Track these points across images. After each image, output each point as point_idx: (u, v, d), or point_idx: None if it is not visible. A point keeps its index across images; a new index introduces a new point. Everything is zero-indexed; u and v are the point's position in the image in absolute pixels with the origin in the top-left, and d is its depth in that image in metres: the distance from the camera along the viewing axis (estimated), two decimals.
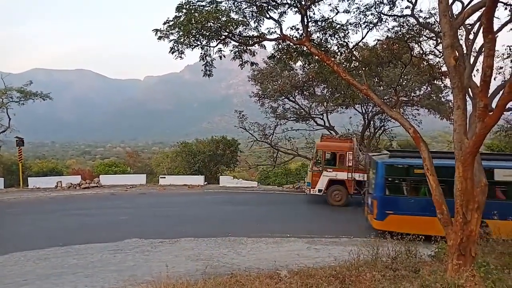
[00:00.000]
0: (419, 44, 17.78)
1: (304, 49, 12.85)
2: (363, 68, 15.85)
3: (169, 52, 11.76)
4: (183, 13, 11.19)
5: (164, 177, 26.14)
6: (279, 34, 12.29)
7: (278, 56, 14.17)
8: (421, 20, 14.31)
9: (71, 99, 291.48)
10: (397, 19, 14.18)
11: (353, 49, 14.80)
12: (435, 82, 25.26)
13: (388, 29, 14.87)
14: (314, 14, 12.72)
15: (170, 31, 11.30)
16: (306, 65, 24.03)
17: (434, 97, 27.00)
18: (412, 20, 14.19)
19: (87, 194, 22.13)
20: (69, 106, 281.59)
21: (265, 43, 13.27)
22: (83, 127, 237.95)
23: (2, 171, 26.56)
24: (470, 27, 11.82)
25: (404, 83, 25.08)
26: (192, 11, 11.08)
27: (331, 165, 20.07)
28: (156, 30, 11.41)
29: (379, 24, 13.74)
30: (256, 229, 14.71)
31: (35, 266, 10.13)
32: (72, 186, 23.54)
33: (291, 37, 12.50)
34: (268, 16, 12.25)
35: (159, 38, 11.44)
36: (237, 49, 13.16)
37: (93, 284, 8.70)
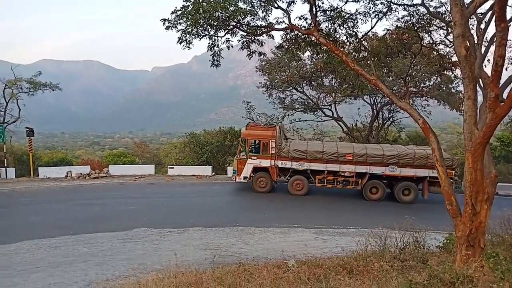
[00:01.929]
0: (429, 33, 17.54)
1: (313, 39, 12.73)
2: (372, 58, 15.60)
3: (177, 42, 11.74)
4: (191, 3, 11.15)
5: (173, 168, 26.30)
6: (287, 24, 12.20)
7: (286, 46, 14.07)
8: (431, 9, 14.10)
9: (80, 90, 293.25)
10: (407, 8, 13.96)
11: (362, 39, 14.61)
12: (445, 72, 24.91)
13: (398, 19, 14.65)
14: (322, 3, 12.59)
15: (178, 21, 11.27)
16: (314, 55, 23.87)
17: (444, 88, 26.70)
18: (422, 9, 13.98)
19: (97, 184, 22.36)
20: (78, 97, 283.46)
21: (273, 33, 13.17)
22: (91, 117, 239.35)
23: (13, 161, 26.88)
24: (481, 16, 11.65)
25: (413, 74, 24.82)
26: (200, 0, 11.04)
27: (255, 153, 20.41)
28: (164, 20, 11.38)
29: (388, 13, 13.56)
30: (264, 219, 14.82)
31: (47, 254, 10.30)
32: (81, 176, 23.79)
33: (299, 27, 12.40)
34: (276, 5, 12.15)
35: (167, 28, 11.43)
36: (245, 39, 13.11)
37: (104, 272, 8.83)
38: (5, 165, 23.90)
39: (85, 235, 12.03)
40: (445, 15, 14.55)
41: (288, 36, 13.65)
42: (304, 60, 27.96)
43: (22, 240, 11.23)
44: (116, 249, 10.83)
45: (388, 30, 16.47)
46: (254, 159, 20.05)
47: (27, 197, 18.49)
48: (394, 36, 19.17)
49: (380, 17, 13.38)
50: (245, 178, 20.19)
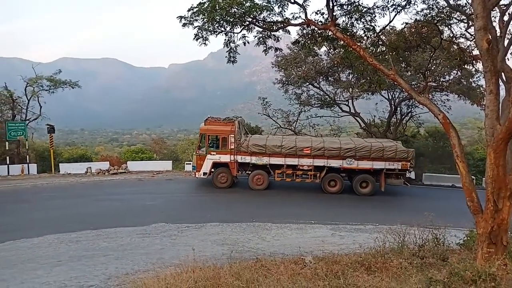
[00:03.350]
0: (449, 27, 17.10)
1: (329, 34, 12.63)
2: (390, 53, 15.40)
3: (194, 39, 11.82)
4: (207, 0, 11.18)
5: (190, 163, 26.52)
6: (304, 19, 12.11)
7: (302, 42, 14.00)
8: (451, 1, 13.74)
9: (98, 88, 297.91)
10: (427, 1, 13.69)
11: (380, 33, 14.41)
12: (465, 66, 24.32)
13: (417, 12, 14.38)
14: None
15: (195, 18, 11.33)
16: (331, 50, 23.63)
17: (465, 82, 26.08)
18: (442, 2, 13.67)
19: (116, 179, 22.75)
20: (96, 94, 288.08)
21: (289, 28, 13.12)
22: (110, 114, 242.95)
23: (35, 157, 27.54)
24: (505, 8, 11.29)
25: (433, 68, 24.33)
26: None
27: (215, 148, 20.27)
28: (181, 17, 11.46)
29: (407, 6, 13.32)
30: (280, 215, 14.83)
31: (68, 248, 10.54)
32: (101, 172, 24.23)
33: (316, 21, 12.30)
34: (292, 0, 12.08)
35: (184, 25, 11.50)
36: (261, 35, 13.09)
37: (123, 266, 8.98)
38: (28, 161, 24.51)
39: (105, 229, 12.25)
40: (466, 8, 14.18)
41: (304, 31, 13.57)
42: (321, 55, 27.70)
43: (45, 234, 11.51)
44: (135, 243, 11.00)
45: (406, 24, 16.21)
46: (213, 154, 19.96)
47: (49, 192, 18.94)
48: (413, 30, 18.84)
49: (398, 10, 13.16)
50: (204, 174, 20.11)
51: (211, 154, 19.98)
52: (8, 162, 23.48)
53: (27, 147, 25.50)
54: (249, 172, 20.14)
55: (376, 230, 12.35)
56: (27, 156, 24.98)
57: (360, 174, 19.67)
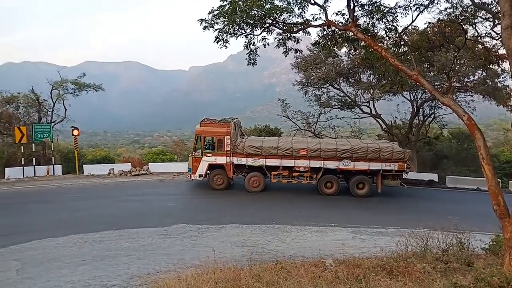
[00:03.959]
0: (474, 26, 16.66)
1: (350, 34, 12.53)
2: (413, 53, 15.12)
3: (214, 41, 11.93)
4: (227, 2, 11.28)
5: None
6: (324, 20, 12.06)
7: (322, 43, 13.91)
8: (476, 0, 13.43)
9: (121, 90, 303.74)
10: (450, 0, 13.40)
11: (402, 33, 14.17)
12: (491, 66, 23.69)
13: (440, 11, 14.06)
14: None
15: (215, 21, 11.43)
16: (352, 51, 23.43)
17: (490, 82, 25.41)
18: (466, 0, 13.36)
19: (137, 181, 23.10)
20: (119, 97, 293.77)
21: (309, 29, 13.09)
22: (132, 117, 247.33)
23: (60, 158, 28.27)
24: None
25: (457, 68, 23.78)
26: None
27: (210, 150, 20.04)
28: (202, 20, 11.58)
29: (430, 6, 13.06)
30: (300, 217, 14.77)
31: (92, 248, 10.77)
32: (123, 173, 24.65)
33: (336, 22, 12.22)
34: (312, 1, 12.05)
35: (204, 28, 11.62)
36: (281, 37, 13.10)
37: (145, 266, 9.12)
38: (53, 163, 25.15)
39: (127, 230, 12.45)
40: (492, 6, 13.81)
41: (324, 33, 13.49)
42: (341, 56, 27.50)
43: (69, 234, 11.78)
44: (157, 244, 11.15)
45: (429, 23, 15.88)
46: (209, 156, 19.78)
47: (73, 193, 19.38)
48: (436, 30, 18.46)
49: (421, 10, 12.90)
50: (200, 176, 19.89)
51: (206, 156, 19.80)
52: (34, 163, 24.16)
53: (52, 149, 26.18)
54: (245, 174, 19.98)
55: (398, 233, 12.16)
56: (53, 157, 25.64)
57: (357, 175, 19.45)
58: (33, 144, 24.65)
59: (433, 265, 7.60)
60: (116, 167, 25.68)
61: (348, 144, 19.64)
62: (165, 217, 14.34)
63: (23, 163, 23.58)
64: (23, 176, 23.13)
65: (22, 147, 23.99)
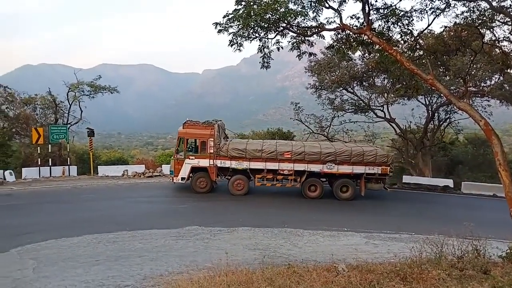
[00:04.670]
0: (491, 30, 16.42)
1: (365, 38, 12.47)
2: (428, 57, 14.97)
3: (229, 45, 12.01)
4: (242, 6, 11.35)
5: None
6: (339, 24, 12.06)
7: (337, 46, 13.89)
8: (494, 3, 13.22)
9: (135, 93, 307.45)
10: (467, 3, 13.22)
11: (417, 37, 14.04)
12: (508, 70, 23.30)
13: (457, 15, 13.88)
14: (376, 1, 12.30)
15: (230, 24, 11.51)
16: (366, 55, 23.31)
17: (507, 87, 25.00)
18: (484, 4, 13.16)
19: (151, 182, 23.29)
20: (133, 99, 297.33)
21: (323, 33, 13.06)
22: (146, 119, 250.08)
23: (75, 159, 28.72)
24: None
25: (473, 72, 23.45)
26: (251, 3, 11.19)
27: (193, 152, 19.73)
28: (216, 24, 11.68)
29: (446, 9, 12.92)
30: (312, 221, 14.70)
31: (105, 248, 10.89)
32: (137, 175, 24.90)
33: (351, 26, 12.19)
34: (327, 5, 12.05)
35: (219, 31, 11.71)
36: (295, 40, 13.11)
37: (158, 268, 9.18)
38: (68, 163, 25.55)
39: (140, 231, 12.55)
40: (510, 10, 13.60)
41: (339, 36, 13.47)
42: (355, 59, 27.38)
43: (84, 234, 11.93)
44: (169, 245, 11.21)
45: (445, 27, 15.71)
46: (192, 159, 19.50)
47: (88, 193, 19.64)
48: (452, 33, 18.23)
49: (437, 14, 12.78)
50: (182, 179, 19.61)
51: (189, 159, 19.54)
52: (50, 164, 24.57)
53: (68, 150, 26.60)
54: (229, 177, 19.75)
55: (412, 239, 12.00)
56: (68, 158, 26.05)
57: (340, 179, 19.32)
58: (50, 145, 25.09)
59: (448, 272, 7.47)
60: (130, 168, 25.96)
61: (332, 148, 19.56)
62: (178, 219, 14.42)
63: (39, 163, 24.00)
64: (39, 176, 23.55)
65: (38, 147, 24.45)
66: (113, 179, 23.93)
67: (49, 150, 25.33)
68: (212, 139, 19.29)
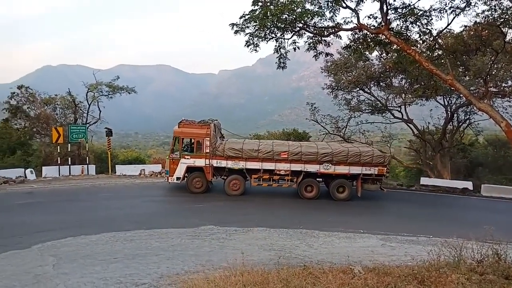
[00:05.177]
0: None
1: (382, 38, 12.35)
2: (448, 57, 14.72)
3: (245, 45, 12.06)
4: (258, 7, 11.38)
5: None
6: (356, 24, 11.98)
7: (354, 47, 13.79)
8: None
9: (153, 93, 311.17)
10: (488, 2, 12.95)
11: (436, 37, 13.83)
12: None
13: (477, 14, 13.66)
14: (394, 0, 12.18)
15: (246, 25, 11.56)
16: (383, 55, 23.05)
17: None
18: (506, 2, 12.89)
19: (167, 182, 23.45)
20: (151, 100, 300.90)
21: (340, 33, 12.99)
22: (162, 119, 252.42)
23: (93, 159, 29.22)
24: None
25: (494, 72, 22.94)
26: (268, 4, 11.21)
27: (189, 152, 19.48)
28: (233, 25, 11.72)
29: (467, 8, 12.69)
30: (328, 222, 14.62)
31: (123, 246, 11.04)
32: (153, 174, 25.16)
33: (368, 26, 12.09)
34: (344, 5, 11.99)
35: (236, 32, 11.77)
36: (311, 40, 13.09)
37: (174, 266, 9.26)
38: (87, 163, 26.00)
39: (157, 230, 12.68)
40: None
41: (356, 36, 13.38)
42: (372, 60, 27.11)
43: (102, 232, 12.12)
44: (185, 245, 11.30)
45: (465, 26, 15.43)
46: (187, 158, 19.29)
47: (106, 192, 19.95)
48: (472, 33, 17.90)
49: (457, 13, 12.58)
50: (178, 178, 19.38)
51: (185, 158, 19.36)
52: (69, 163, 25.06)
53: (87, 149, 27.09)
54: (225, 177, 19.60)
55: (430, 242, 11.82)
56: (87, 157, 26.50)
57: (337, 179, 19.10)
58: (69, 144, 25.58)
59: (467, 276, 7.33)
60: (147, 168, 26.25)
61: (328, 148, 19.34)
62: (193, 218, 14.53)
63: (59, 162, 24.50)
64: (59, 175, 24.02)
65: (58, 147, 24.96)
66: (130, 178, 24.24)
67: (69, 149, 25.83)
68: (208, 138, 19.11)
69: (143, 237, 11.90)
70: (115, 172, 25.74)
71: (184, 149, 19.81)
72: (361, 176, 18.93)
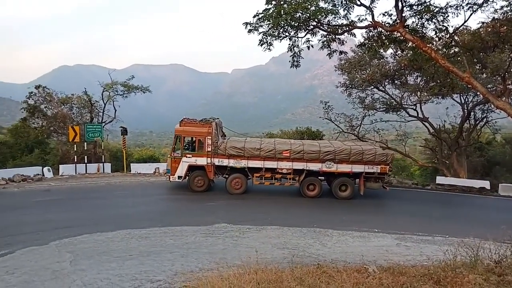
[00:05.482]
0: None
1: (398, 35, 12.22)
2: (465, 54, 14.46)
3: (258, 44, 12.07)
4: (272, 5, 11.37)
5: None
6: (370, 21, 11.88)
7: (368, 44, 13.68)
8: None
9: (167, 93, 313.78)
10: None
11: (453, 34, 13.61)
12: None
13: (495, 10, 13.43)
14: None
15: (260, 24, 11.57)
16: (398, 52, 22.79)
17: None
18: None
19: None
20: (165, 99, 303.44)
21: (354, 31, 12.89)
22: (176, 118, 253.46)
23: (109, 157, 29.59)
24: None
25: None
26: (281, 2, 11.20)
27: (190, 150, 19.33)
28: (246, 23, 11.73)
29: (484, 5, 12.47)
30: (342, 221, 14.55)
31: (138, 243, 11.18)
32: None
33: (383, 23, 11.97)
34: (358, 3, 11.89)
35: (249, 31, 11.78)
36: (325, 39, 13.02)
37: (188, 264, 9.34)
38: (103, 161, 26.36)
39: (171, 227, 12.79)
40: None
41: (370, 34, 13.28)
42: (386, 57, 26.82)
43: (117, 229, 12.29)
44: (199, 242, 11.38)
45: (483, 23, 15.13)
46: (189, 157, 19.21)
47: (121, 190, 20.20)
48: (490, 29, 17.55)
49: (474, 9, 12.36)
50: (179, 177, 19.33)
51: (186, 157, 19.31)
52: (86, 161, 25.45)
53: (102, 148, 27.46)
54: (227, 176, 19.52)
55: (446, 242, 11.66)
56: (103, 156, 26.86)
57: (339, 178, 18.94)
58: (85, 143, 25.95)
59: (484, 277, 7.21)
60: (161, 166, 26.46)
61: (331, 146, 19.17)
62: (207, 216, 14.63)
63: (75, 160, 24.91)
64: (76, 173, 24.43)
65: (75, 145, 25.36)
66: (145, 176, 24.50)
67: (85, 148, 26.22)
68: (210, 137, 19.12)
69: (157, 235, 12.03)
70: (130, 171, 26.03)
71: (186, 147, 19.87)
72: (364, 174, 18.82)
